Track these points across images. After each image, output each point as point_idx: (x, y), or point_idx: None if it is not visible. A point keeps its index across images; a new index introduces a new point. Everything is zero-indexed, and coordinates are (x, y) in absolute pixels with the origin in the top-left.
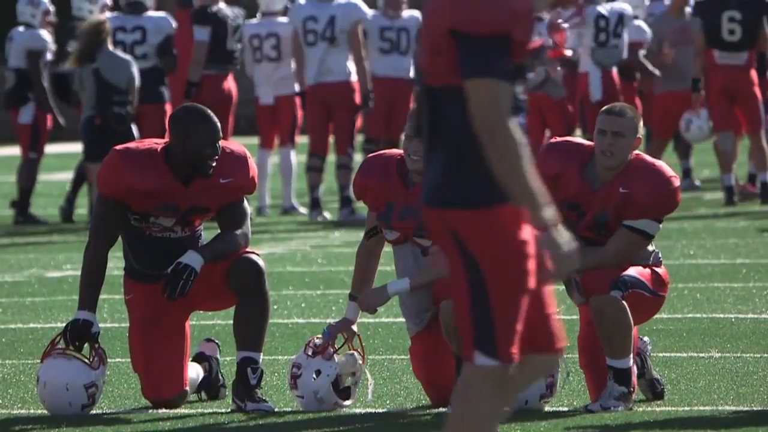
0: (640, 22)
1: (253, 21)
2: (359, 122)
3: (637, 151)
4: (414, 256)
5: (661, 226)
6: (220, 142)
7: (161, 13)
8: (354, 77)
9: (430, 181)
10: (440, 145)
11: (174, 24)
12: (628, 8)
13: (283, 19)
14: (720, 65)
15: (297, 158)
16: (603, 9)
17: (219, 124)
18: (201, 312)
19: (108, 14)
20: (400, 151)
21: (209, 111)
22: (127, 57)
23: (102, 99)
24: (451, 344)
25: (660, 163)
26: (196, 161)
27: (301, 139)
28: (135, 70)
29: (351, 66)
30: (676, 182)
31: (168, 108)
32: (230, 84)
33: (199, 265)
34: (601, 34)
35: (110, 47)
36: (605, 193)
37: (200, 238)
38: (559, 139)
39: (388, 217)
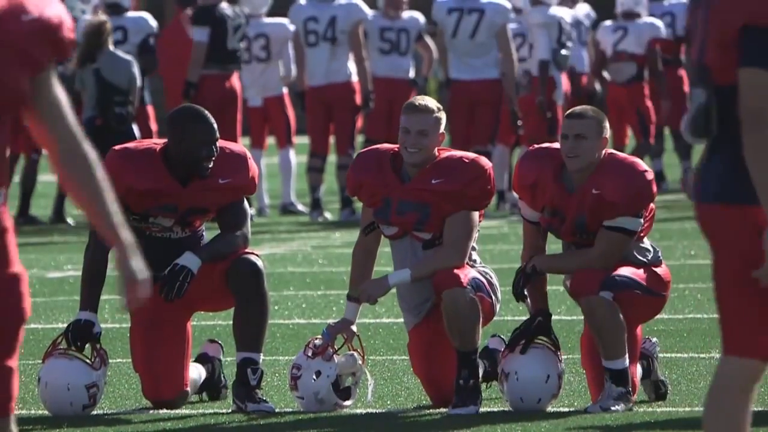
0: (653, 19)
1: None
2: (360, 123)
3: (611, 150)
4: (413, 250)
5: (641, 220)
6: (217, 143)
7: (141, 13)
8: (354, 78)
9: (711, 180)
10: (725, 144)
11: (154, 23)
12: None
13: (270, 20)
14: None
15: (297, 158)
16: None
17: (216, 126)
18: (202, 312)
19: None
20: (392, 146)
21: (206, 112)
22: (128, 57)
23: (103, 99)
24: (453, 338)
25: (631, 159)
26: (192, 162)
27: (302, 140)
28: (136, 70)
29: (352, 66)
30: (648, 176)
31: (150, 111)
32: (234, 83)
33: (195, 266)
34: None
35: (111, 47)
36: (580, 196)
37: (202, 238)
38: (535, 146)
39: (386, 212)
